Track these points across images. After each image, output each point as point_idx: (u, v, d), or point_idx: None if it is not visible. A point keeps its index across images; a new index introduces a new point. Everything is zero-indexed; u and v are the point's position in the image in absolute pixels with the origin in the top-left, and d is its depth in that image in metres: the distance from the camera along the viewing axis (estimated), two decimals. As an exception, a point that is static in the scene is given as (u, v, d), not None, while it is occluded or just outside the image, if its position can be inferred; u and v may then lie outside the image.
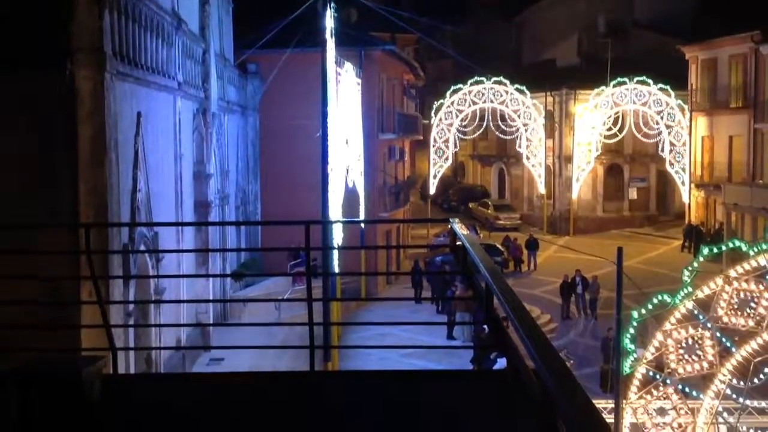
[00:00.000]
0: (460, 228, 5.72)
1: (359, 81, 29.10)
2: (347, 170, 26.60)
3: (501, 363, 18.03)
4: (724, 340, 15.12)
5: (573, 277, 31.44)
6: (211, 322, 19.66)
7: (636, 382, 15.64)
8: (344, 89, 25.53)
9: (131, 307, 13.23)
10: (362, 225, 29.76)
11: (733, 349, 15.08)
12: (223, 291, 22.98)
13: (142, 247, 14.02)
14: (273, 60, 27.74)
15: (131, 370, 12.90)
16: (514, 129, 44.83)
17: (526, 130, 44.72)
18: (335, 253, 21.60)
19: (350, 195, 27.21)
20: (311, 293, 6.24)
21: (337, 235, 23.56)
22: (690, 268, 15.51)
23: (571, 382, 2.14)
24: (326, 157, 17.40)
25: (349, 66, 27.00)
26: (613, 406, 16.03)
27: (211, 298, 20.25)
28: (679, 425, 15.55)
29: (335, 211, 22.73)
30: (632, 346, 15.71)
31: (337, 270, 21.08)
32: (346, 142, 26.09)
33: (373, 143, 32.65)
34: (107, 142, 12.54)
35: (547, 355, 2.39)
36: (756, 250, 15.08)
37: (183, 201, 18.19)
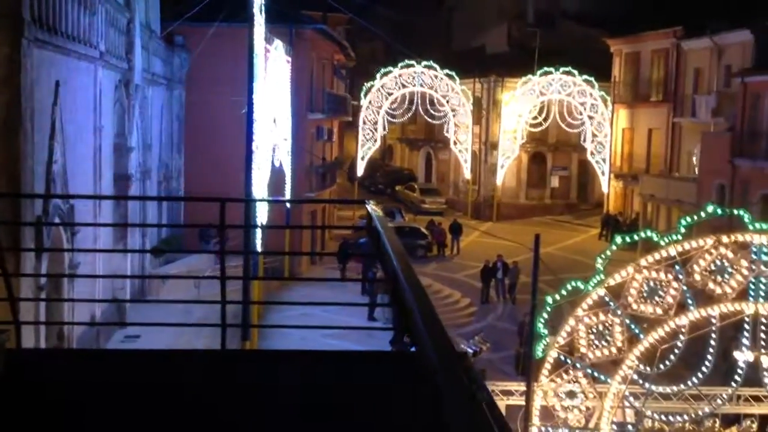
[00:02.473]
0: (374, 210, 5.77)
1: (289, 59, 28.84)
2: (274, 149, 26.39)
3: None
4: (633, 326, 15.64)
5: (494, 262, 31.98)
6: (128, 298, 19.33)
7: (547, 366, 16.06)
8: (273, 67, 25.27)
9: (43, 280, 12.92)
10: (287, 204, 29.60)
11: (641, 336, 15.61)
12: (142, 267, 22.60)
13: (57, 220, 13.69)
14: (201, 33, 27.28)
15: (41, 345, 12.62)
16: (442, 114, 45.19)
17: (454, 116, 45.14)
18: (258, 232, 21.48)
19: (276, 174, 27.03)
20: (224, 271, 6.24)
21: (262, 214, 23.40)
22: (603, 256, 15.97)
23: (454, 364, 2.21)
24: (251, 135, 17.25)
25: (278, 43, 26.73)
26: (524, 388, 16.44)
27: (128, 273, 19.89)
28: (587, 408, 16.04)
29: (260, 189, 22.57)
30: (545, 331, 16.10)
31: (259, 249, 20.96)
32: (274, 121, 25.86)
33: (302, 123, 32.46)
34: (23, 110, 12.21)
35: (437, 338, 2.46)
36: (667, 240, 15.62)
37: (102, 174, 17.80)
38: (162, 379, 4.85)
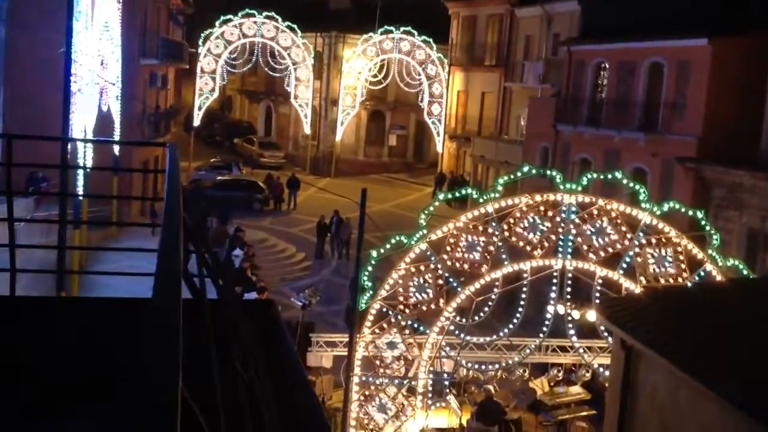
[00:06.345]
0: (172, 153, 5.64)
1: (119, -1, 27.49)
2: (101, 92, 25.25)
3: (250, 295, 18.07)
4: (451, 280, 16.23)
5: (330, 217, 32.24)
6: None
7: (371, 318, 16.43)
8: (101, 6, 24.06)
9: None
10: (116, 150, 28.38)
11: (458, 289, 16.25)
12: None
13: None
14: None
15: None
16: (283, 67, 44.69)
17: (295, 69, 44.74)
18: (80, 177, 20.58)
19: (105, 119, 25.90)
20: (12, 213, 5.94)
21: (86, 158, 22.43)
22: (426, 212, 16.43)
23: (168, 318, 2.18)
24: (69, 75, 16.39)
25: (108, -19, 25.42)
26: (347, 340, 16.77)
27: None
28: (406, 359, 16.57)
29: (84, 133, 21.56)
30: (369, 283, 16.43)
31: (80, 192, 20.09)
32: (102, 63, 24.71)
33: (134, 67, 31.15)
34: None
35: (167, 286, 2.44)
36: (485, 198, 16.27)
37: None
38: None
